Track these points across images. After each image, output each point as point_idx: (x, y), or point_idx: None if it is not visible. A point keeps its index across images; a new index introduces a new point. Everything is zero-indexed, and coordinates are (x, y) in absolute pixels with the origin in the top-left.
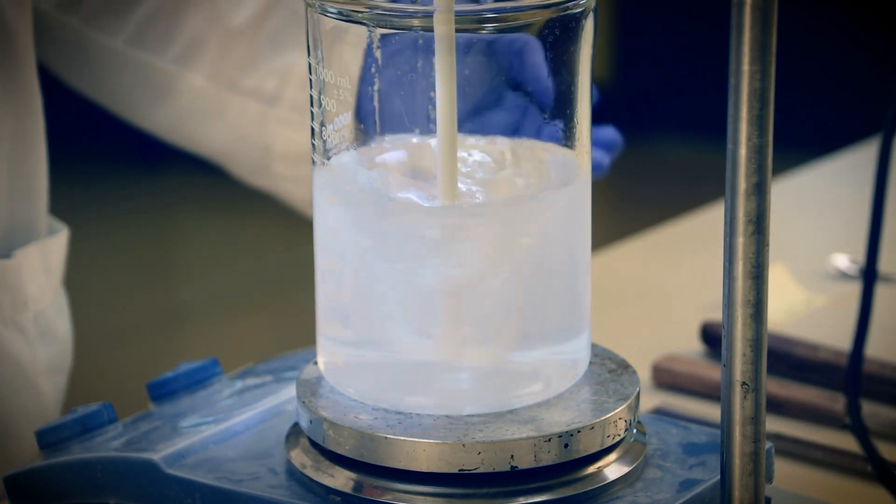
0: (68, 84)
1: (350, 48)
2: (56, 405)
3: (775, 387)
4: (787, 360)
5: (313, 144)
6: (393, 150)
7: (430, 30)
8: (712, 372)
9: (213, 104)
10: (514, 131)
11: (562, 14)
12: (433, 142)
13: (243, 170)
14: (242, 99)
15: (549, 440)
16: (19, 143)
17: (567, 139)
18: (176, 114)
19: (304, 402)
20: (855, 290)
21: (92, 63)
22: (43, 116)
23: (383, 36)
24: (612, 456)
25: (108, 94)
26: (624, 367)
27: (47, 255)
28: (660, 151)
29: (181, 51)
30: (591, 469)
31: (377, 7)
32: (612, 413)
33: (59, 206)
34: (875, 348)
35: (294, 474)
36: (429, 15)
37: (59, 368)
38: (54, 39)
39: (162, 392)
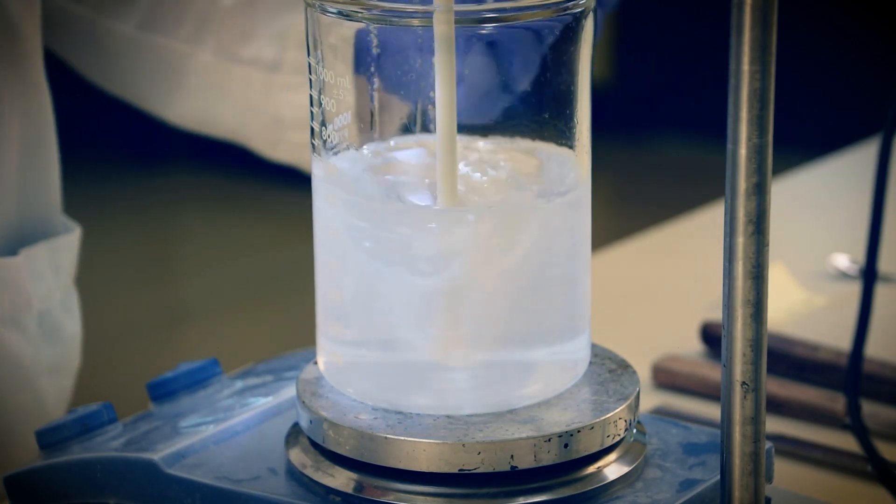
0: (86, 77)
1: (350, 48)
2: (59, 405)
3: (775, 387)
4: (787, 360)
5: (313, 144)
6: (393, 151)
7: (430, 29)
8: (712, 372)
9: (220, 79)
10: (513, 131)
11: (562, 14)
12: (433, 142)
13: (262, 145)
14: (245, 70)
15: (549, 440)
16: (28, 142)
17: (567, 139)
18: (188, 95)
19: (304, 402)
20: (855, 290)
21: (105, 51)
22: (53, 115)
23: (383, 35)
24: (612, 456)
25: (121, 83)
26: (624, 367)
27: (57, 253)
28: (660, 151)
29: (191, 30)
30: (591, 469)
31: (377, 7)
32: (612, 413)
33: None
34: (875, 348)
35: (294, 474)
36: (429, 15)
37: (64, 368)
38: (67, 31)
39: (162, 392)
